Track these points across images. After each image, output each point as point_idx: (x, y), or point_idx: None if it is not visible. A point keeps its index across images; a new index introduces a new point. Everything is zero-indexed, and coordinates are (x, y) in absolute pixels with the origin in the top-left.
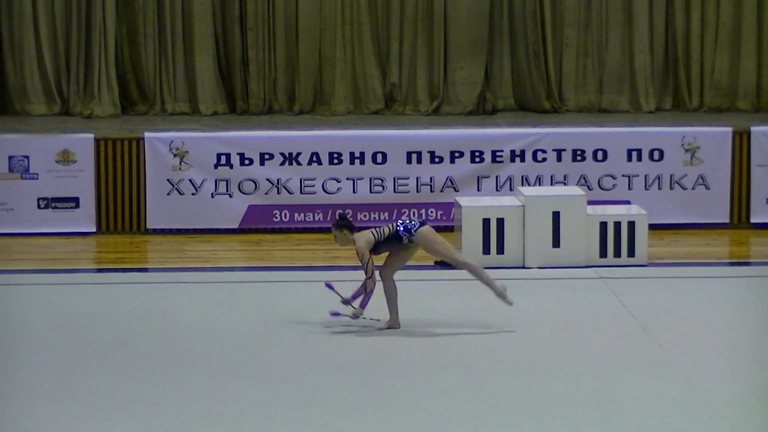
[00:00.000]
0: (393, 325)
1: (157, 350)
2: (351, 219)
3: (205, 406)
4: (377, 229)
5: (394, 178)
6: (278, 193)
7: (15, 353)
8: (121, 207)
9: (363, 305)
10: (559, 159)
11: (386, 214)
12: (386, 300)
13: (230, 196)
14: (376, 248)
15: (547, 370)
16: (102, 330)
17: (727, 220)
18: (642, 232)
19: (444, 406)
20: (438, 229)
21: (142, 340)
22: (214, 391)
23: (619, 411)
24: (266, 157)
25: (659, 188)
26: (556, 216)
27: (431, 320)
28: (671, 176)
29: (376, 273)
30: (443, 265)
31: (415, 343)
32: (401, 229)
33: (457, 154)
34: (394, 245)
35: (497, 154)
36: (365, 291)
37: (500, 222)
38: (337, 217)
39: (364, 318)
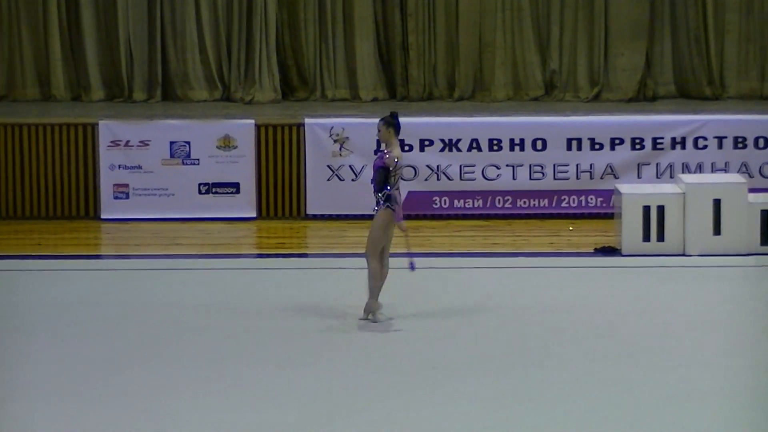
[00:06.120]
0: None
1: (316, 337)
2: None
3: (355, 394)
4: (400, 166)
5: (554, 165)
6: (438, 179)
7: (178, 339)
8: (281, 193)
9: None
10: (720, 146)
11: (546, 201)
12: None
13: None
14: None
15: (703, 361)
16: (264, 316)
17: None
18: None
19: (597, 399)
20: (598, 216)
21: (301, 326)
22: (366, 378)
23: None
24: (426, 143)
25: None
26: (717, 203)
27: (584, 308)
28: None
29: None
30: (602, 252)
31: (565, 333)
32: (381, 192)
33: (617, 141)
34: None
35: (658, 141)
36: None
37: (660, 209)
38: (390, 113)
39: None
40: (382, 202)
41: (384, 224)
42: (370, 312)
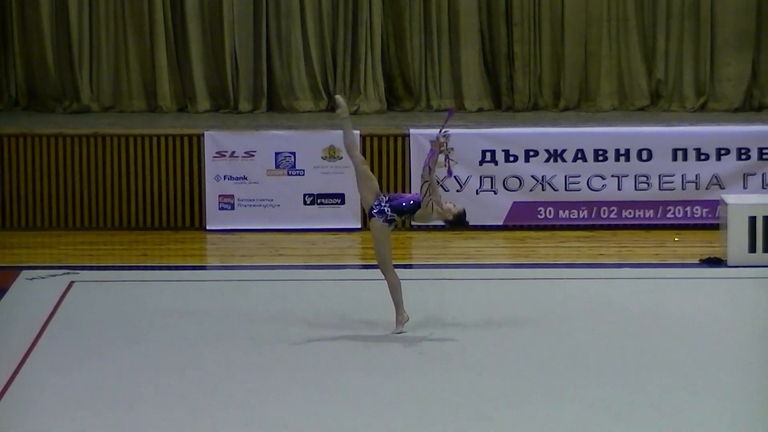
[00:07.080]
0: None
1: (422, 345)
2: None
3: (461, 400)
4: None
5: (659, 176)
6: (543, 189)
7: (283, 348)
8: None
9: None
10: None
11: (651, 211)
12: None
13: (495, 192)
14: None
15: None
16: (368, 326)
17: None
18: None
19: (712, 405)
20: (704, 226)
21: (406, 335)
22: (481, 384)
23: None
24: (531, 153)
25: None
26: None
27: (691, 319)
28: None
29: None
30: (708, 262)
31: (674, 343)
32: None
33: (723, 151)
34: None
35: (764, 151)
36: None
37: (767, 220)
38: (466, 218)
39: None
40: (375, 211)
41: (385, 234)
42: (403, 323)
